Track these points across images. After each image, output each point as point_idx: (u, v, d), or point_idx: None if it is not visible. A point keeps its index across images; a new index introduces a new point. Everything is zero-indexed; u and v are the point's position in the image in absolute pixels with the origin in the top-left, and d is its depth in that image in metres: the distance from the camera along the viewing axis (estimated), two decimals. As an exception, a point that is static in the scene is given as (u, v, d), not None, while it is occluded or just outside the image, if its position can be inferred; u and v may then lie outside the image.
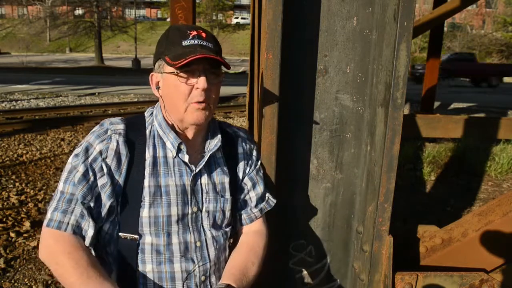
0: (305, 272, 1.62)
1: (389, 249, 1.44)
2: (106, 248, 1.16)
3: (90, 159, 1.10)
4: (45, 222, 1.07)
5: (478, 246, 1.60)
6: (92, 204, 1.08)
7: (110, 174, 1.11)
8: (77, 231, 1.06)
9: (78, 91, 13.98)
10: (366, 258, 1.51)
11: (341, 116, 1.49)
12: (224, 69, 1.17)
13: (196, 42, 1.11)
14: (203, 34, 1.14)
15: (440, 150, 6.29)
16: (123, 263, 1.14)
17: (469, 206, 4.68)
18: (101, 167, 1.10)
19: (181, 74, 1.10)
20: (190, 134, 1.20)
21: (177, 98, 1.13)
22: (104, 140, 1.12)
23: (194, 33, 1.12)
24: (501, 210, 1.61)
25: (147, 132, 1.19)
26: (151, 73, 1.20)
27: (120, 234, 1.14)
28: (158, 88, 1.19)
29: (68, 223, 1.05)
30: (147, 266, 1.14)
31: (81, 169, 1.08)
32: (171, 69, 1.11)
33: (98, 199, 1.10)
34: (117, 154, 1.12)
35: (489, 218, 1.61)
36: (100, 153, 1.11)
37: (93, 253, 1.14)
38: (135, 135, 1.17)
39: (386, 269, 1.45)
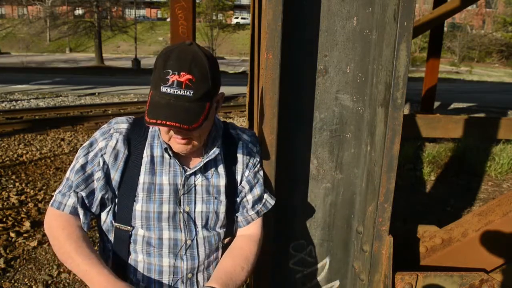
0: (305, 272, 1.62)
1: (389, 249, 1.44)
2: (108, 236, 1.24)
3: (91, 154, 1.19)
4: (51, 201, 1.19)
5: (478, 246, 1.60)
6: (84, 194, 1.17)
7: (106, 169, 1.18)
8: (73, 212, 1.17)
9: (78, 91, 13.97)
10: (366, 258, 1.51)
11: (341, 116, 1.49)
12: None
13: (171, 91, 1.03)
14: (184, 79, 1.04)
15: (440, 150, 6.29)
16: (117, 251, 1.23)
17: (469, 206, 4.69)
18: (99, 162, 1.18)
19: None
20: None
21: (160, 129, 1.18)
22: (106, 138, 1.20)
23: (174, 78, 1.03)
24: (501, 210, 1.61)
25: (150, 132, 1.23)
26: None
27: (115, 224, 1.21)
28: None
29: (65, 204, 1.16)
30: (139, 256, 1.22)
31: (81, 161, 1.19)
32: None
33: (93, 190, 1.18)
34: (115, 151, 1.19)
35: (489, 218, 1.61)
36: (100, 149, 1.19)
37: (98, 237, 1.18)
38: (136, 134, 1.22)
39: (386, 269, 1.45)
